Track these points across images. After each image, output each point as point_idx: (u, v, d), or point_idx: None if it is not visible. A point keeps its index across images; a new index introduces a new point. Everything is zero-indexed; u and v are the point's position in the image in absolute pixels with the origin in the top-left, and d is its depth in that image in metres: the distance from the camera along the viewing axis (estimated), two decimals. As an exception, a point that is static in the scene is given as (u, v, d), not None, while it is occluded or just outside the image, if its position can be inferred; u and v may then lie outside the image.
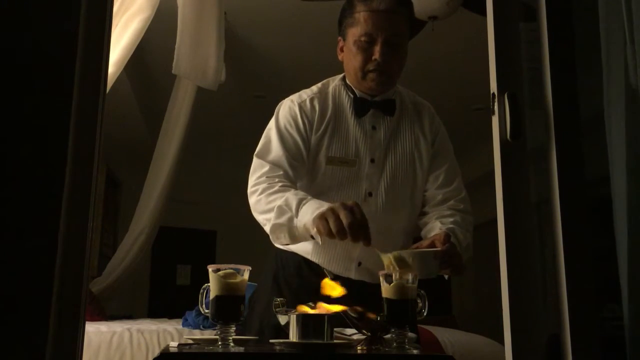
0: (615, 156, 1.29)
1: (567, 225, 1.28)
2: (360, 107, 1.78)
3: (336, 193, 1.70)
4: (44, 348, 1.04)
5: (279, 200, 1.57)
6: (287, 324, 1.27)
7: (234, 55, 4.10)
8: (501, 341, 1.30)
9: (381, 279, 1.31)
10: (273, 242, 1.69)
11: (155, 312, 5.59)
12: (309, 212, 1.50)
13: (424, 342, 2.77)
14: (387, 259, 1.43)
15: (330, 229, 1.41)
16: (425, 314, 1.31)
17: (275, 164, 1.68)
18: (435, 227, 1.68)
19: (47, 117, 1.13)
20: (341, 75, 1.86)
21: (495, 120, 1.35)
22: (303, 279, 1.72)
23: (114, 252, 4.88)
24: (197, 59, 3.41)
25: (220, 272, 1.24)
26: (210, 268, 1.24)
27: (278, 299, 1.45)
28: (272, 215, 1.57)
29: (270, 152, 1.71)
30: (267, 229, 1.61)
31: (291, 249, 1.75)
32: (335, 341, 1.25)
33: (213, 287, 1.23)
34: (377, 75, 1.73)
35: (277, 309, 1.43)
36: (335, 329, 1.28)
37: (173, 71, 3.33)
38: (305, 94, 1.81)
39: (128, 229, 4.65)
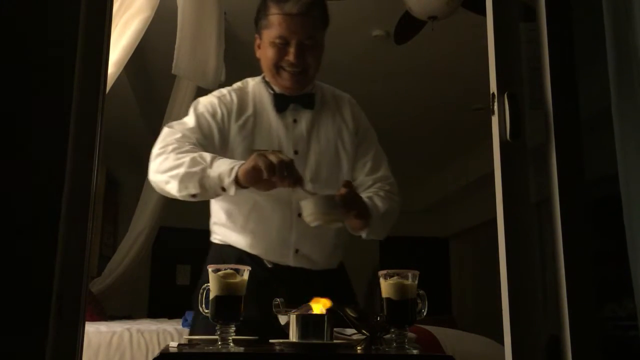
0: (626, 153, 1.27)
1: (567, 225, 1.28)
2: (280, 102, 1.82)
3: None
4: (44, 348, 1.04)
5: (190, 154, 1.62)
6: (287, 324, 1.27)
7: (234, 56, 4.10)
8: (501, 341, 1.30)
9: (381, 279, 1.31)
10: (176, 195, 1.67)
11: (155, 312, 5.59)
12: (226, 163, 1.58)
13: (424, 342, 2.77)
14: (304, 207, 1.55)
15: (263, 172, 1.49)
16: (425, 313, 1.31)
17: (186, 135, 1.71)
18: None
19: (47, 117, 1.13)
20: (261, 75, 1.89)
21: (495, 120, 1.35)
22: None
23: (114, 252, 4.88)
24: (197, 59, 3.41)
25: (220, 272, 1.24)
26: (210, 268, 1.24)
27: (278, 299, 1.45)
28: (180, 169, 1.60)
29: (184, 125, 1.74)
30: (169, 186, 1.63)
31: (229, 243, 1.78)
32: (335, 341, 1.25)
33: (213, 287, 1.23)
34: (291, 75, 1.78)
35: (276, 309, 1.43)
36: (335, 329, 1.28)
37: (173, 71, 3.33)
38: (225, 89, 1.85)
39: (128, 229, 4.65)
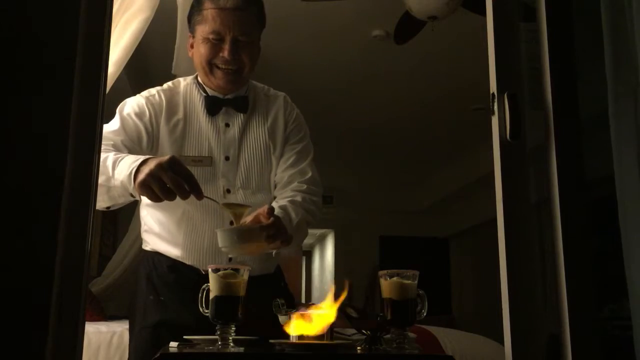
0: (623, 153, 1.27)
1: (567, 225, 1.28)
2: (212, 105, 1.76)
3: None
4: (44, 348, 1.04)
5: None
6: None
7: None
8: (501, 341, 1.30)
9: (381, 279, 1.31)
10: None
11: (155, 312, 5.57)
12: (125, 168, 1.46)
13: (424, 342, 2.77)
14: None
15: (157, 194, 1.40)
16: (425, 314, 1.32)
17: (105, 138, 1.59)
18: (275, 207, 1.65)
19: (47, 117, 1.12)
20: (193, 75, 1.82)
21: (495, 120, 1.35)
22: (178, 273, 1.69)
23: (114, 252, 4.88)
24: (197, 59, 3.41)
25: (220, 272, 1.24)
26: (210, 268, 1.24)
27: (278, 299, 1.45)
28: None
29: (106, 128, 1.65)
30: None
31: (161, 251, 1.72)
32: (335, 341, 1.25)
33: (213, 287, 1.23)
34: (225, 74, 1.71)
35: (276, 309, 1.43)
36: (335, 329, 1.28)
37: (173, 71, 3.33)
38: (154, 89, 1.79)
39: (128, 229, 4.64)
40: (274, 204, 1.65)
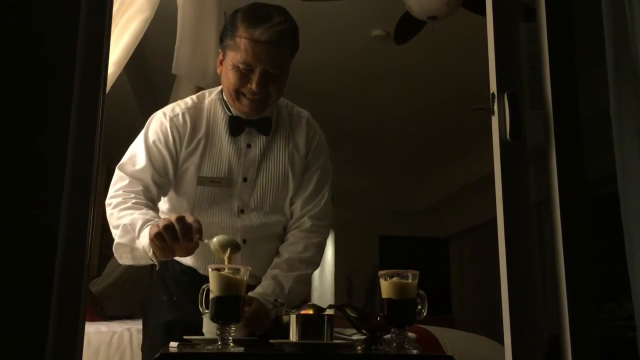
0: (625, 153, 1.27)
1: (567, 225, 1.28)
2: (236, 126, 1.73)
3: (207, 210, 1.69)
4: (44, 348, 1.04)
5: (126, 217, 1.56)
6: (288, 323, 1.27)
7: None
8: (501, 341, 1.30)
9: (381, 279, 1.31)
10: (118, 260, 1.65)
11: (155, 312, 5.57)
12: (147, 234, 1.47)
13: (424, 342, 2.77)
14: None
15: (160, 248, 1.43)
16: (425, 313, 1.31)
17: (136, 178, 1.66)
18: (268, 276, 1.66)
19: (47, 117, 1.12)
20: (218, 89, 1.80)
21: (495, 120, 1.35)
22: (191, 275, 1.70)
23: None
24: (197, 59, 3.40)
25: (221, 272, 1.24)
26: (210, 268, 1.24)
27: (278, 300, 1.45)
28: (115, 239, 1.58)
29: (134, 165, 1.68)
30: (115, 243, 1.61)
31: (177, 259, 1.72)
32: (335, 341, 1.25)
33: (213, 287, 1.23)
34: (250, 102, 1.68)
35: (276, 309, 1.43)
36: (335, 329, 1.28)
37: (173, 71, 3.33)
38: (179, 107, 1.76)
39: (128, 229, 4.63)
40: (266, 278, 1.66)
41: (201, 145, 1.71)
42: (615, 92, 1.30)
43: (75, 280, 1.11)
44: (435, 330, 3.26)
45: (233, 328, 1.21)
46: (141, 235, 1.50)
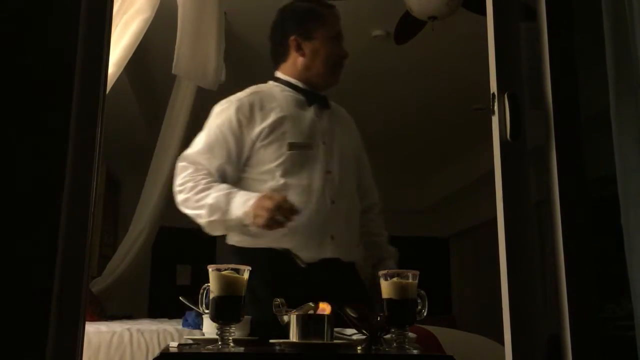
0: (625, 153, 1.27)
1: (567, 225, 1.28)
2: (308, 97, 1.92)
3: (298, 173, 1.81)
4: (44, 348, 1.04)
5: (206, 198, 1.73)
6: (287, 323, 1.27)
7: (234, 55, 4.10)
8: (501, 341, 1.30)
9: (381, 279, 1.31)
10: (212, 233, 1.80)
11: (155, 312, 5.59)
12: (239, 206, 1.68)
13: (424, 342, 2.76)
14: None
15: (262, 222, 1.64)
16: (425, 313, 1.32)
17: (198, 168, 1.80)
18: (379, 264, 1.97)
19: (48, 117, 1.12)
20: (270, 81, 1.98)
21: (495, 120, 1.35)
22: (276, 272, 1.75)
23: (114, 252, 4.88)
24: (197, 59, 3.41)
25: (221, 272, 1.24)
26: (211, 268, 1.24)
27: (278, 299, 1.45)
28: (203, 219, 1.74)
29: (197, 154, 1.83)
30: (200, 221, 1.76)
31: (259, 246, 1.78)
32: (335, 341, 1.25)
33: (213, 287, 1.23)
34: (341, 70, 1.94)
35: (276, 309, 1.43)
36: (335, 329, 1.28)
37: (173, 71, 3.33)
38: (244, 93, 1.92)
39: (128, 229, 4.64)
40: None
41: (280, 117, 1.85)
42: (614, 92, 1.30)
43: (75, 280, 1.11)
44: (435, 330, 3.26)
45: (233, 328, 1.21)
46: (231, 209, 1.69)
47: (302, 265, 1.74)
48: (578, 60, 1.37)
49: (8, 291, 1.05)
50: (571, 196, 1.30)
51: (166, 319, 4.09)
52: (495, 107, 1.35)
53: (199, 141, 1.85)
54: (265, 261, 1.75)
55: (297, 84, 1.94)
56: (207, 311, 1.24)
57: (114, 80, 2.39)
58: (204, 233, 1.88)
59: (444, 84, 5.01)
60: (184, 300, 1.64)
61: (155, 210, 4.52)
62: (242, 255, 1.80)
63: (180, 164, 1.83)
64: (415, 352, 1.26)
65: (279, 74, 1.97)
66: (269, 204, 1.64)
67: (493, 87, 1.36)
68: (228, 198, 1.71)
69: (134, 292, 6.22)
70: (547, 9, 1.38)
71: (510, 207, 1.31)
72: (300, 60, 1.93)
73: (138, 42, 2.54)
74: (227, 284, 1.22)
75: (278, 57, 1.98)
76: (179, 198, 1.78)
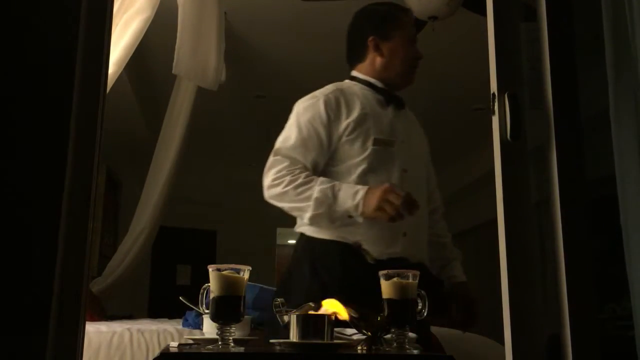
0: (624, 153, 1.27)
1: (567, 225, 1.28)
2: (386, 96, 1.97)
3: (379, 171, 1.85)
4: (44, 348, 1.04)
5: (308, 191, 1.76)
6: (288, 323, 1.27)
7: (234, 55, 4.10)
8: (501, 341, 1.30)
9: (381, 279, 1.31)
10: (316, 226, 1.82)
11: (155, 312, 5.59)
12: (347, 198, 1.73)
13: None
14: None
15: (390, 214, 1.69)
16: (425, 314, 1.31)
17: (294, 161, 1.82)
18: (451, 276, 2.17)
19: (48, 117, 1.12)
20: (350, 79, 2.01)
21: (495, 120, 1.35)
22: (346, 266, 1.78)
23: (114, 252, 4.88)
24: (197, 59, 3.41)
25: (221, 272, 1.24)
26: (211, 268, 1.24)
27: (278, 299, 1.45)
28: (306, 204, 1.75)
29: (291, 148, 1.84)
30: (305, 215, 1.78)
31: (331, 237, 1.81)
32: (335, 341, 1.25)
33: (213, 287, 1.23)
34: (415, 72, 1.98)
35: (276, 309, 1.43)
36: (335, 329, 1.28)
37: (173, 71, 3.33)
38: (326, 89, 1.95)
39: (128, 229, 4.64)
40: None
41: (363, 114, 1.89)
42: (614, 92, 1.30)
43: (75, 280, 1.11)
44: (435, 330, 3.25)
45: (233, 328, 1.21)
46: (338, 201, 1.74)
47: (370, 262, 1.76)
48: (578, 60, 1.37)
49: (8, 291, 1.05)
50: (571, 196, 1.30)
51: (166, 319, 4.09)
52: (496, 107, 1.35)
53: (291, 136, 1.86)
54: (335, 255, 1.79)
55: (375, 83, 1.98)
56: (207, 311, 1.24)
57: (114, 79, 2.39)
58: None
59: (444, 84, 5.02)
60: (184, 300, 1.64)
61: (155, 210, 4.52)
62: (312, 246, 1.83)
63: (273, 158, 1.84)
64: (415, 352, 1.26)
65: (355, 73, 2.01)
66: (396, 198, 1.68)
67: (493, 87, 1.37)
68: (333, 191, 1.75)
69: (134, 292, 6.23)
70: (547, 9, 1.38)
71: (511, 207, 1.31)
72: (378, 60, 1.98)
73: (138, 41, 2.54)
74: (228, 284, 1.22)
75: (355, 58, 2.03)
76: (274, 191, 1.80)
